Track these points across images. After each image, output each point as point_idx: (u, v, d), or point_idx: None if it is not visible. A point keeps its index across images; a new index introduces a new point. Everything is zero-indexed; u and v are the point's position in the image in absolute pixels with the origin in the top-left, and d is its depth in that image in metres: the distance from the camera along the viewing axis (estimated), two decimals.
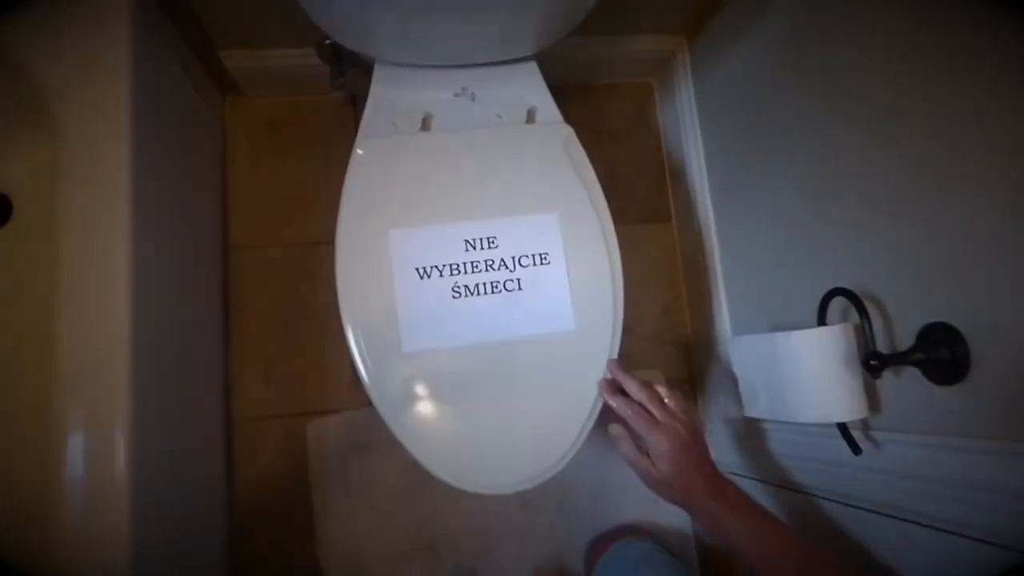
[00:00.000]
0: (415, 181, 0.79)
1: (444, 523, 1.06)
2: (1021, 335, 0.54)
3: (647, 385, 0.71)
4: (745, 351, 0.83)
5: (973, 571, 0.59)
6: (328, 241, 0.76)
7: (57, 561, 0.66)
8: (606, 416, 0.74)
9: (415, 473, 0.70)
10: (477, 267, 0.76)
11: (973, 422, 0.60)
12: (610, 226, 0.79)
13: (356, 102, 1.18)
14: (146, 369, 0.74)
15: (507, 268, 0.77)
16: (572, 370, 0.76)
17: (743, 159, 1.00)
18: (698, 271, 1.15)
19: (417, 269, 0.75)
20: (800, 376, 0.71)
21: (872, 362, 0.62)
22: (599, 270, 0.78)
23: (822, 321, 0.71)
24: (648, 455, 0.68)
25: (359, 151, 0.79)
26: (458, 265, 0.76)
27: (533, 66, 0.89)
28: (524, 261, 0.77)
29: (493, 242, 0.77)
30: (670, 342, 1.22)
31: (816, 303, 0.72)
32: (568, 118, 0.86)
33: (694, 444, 0.67)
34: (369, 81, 0.86)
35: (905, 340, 0.66)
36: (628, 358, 0.77)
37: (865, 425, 0.73)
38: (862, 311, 0.65)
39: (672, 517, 1.11)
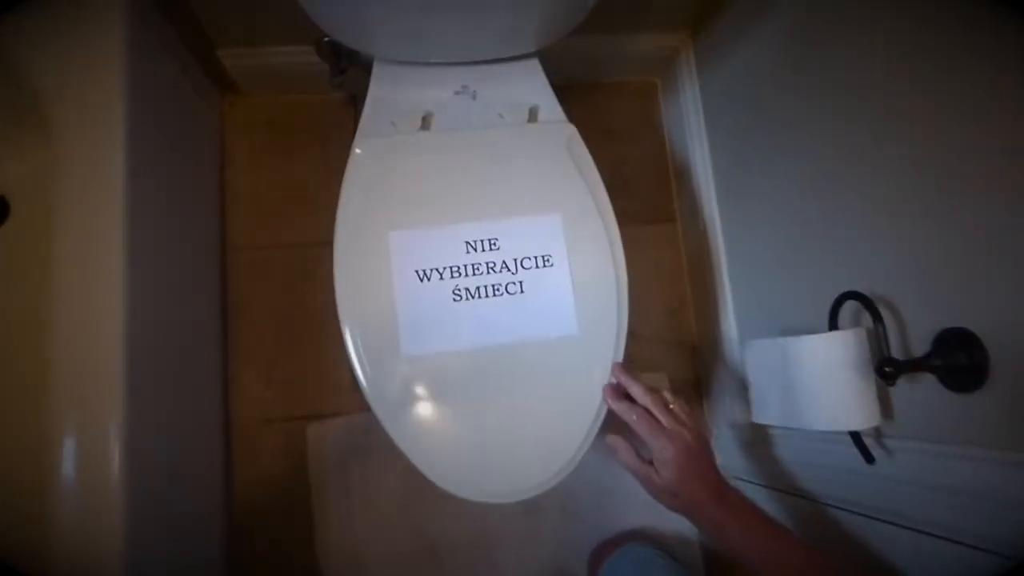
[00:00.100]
0: (415, 181, 0.77)
1: (445, 527, 1.04)
2: None
3: (653, 389, 0.70)
4: (757, 355, 0.80)
5: None
6: (328, 242, 0.74)
7: (51, 562, 0.65)
8: (611, 421, 0.72)
9: (415, 477, 0.69)
10: (478, 269, 0.74)
11: (992, 431, 0.58)
12: (614, 227, 0.77)
13: (356, 101, 1.16)
14: (142, 370, 0.73)
15: (509, 270, 0.75)
16: (575, 375, 0.74)
17: (749, 158, 0.98)
18: (703, 272, 1.13)
19: (417, 271, 0.73)
20: (811, 382, 0.69)
21: (887, 369, 0.60)
22: (603, 272, 0.76)
23: (834, 325, 0.69)
24: (650, 462, 0.66)
25: (358, 151, 0.77)
26: (459, 267, 0.74)
27: (535, 64, 0.87)
28: (526, 263, 0.75)
29: (494, 244, 0.75)
30: (675, 344, 1.20)
31: (826, 305, 0.70)
32: (571, 117, 0.84)
33: (699, 451, 0.66)
34: (369, 79, 0.85)
35: (920, 345, 0.64)
36: (632, 360, 0.75)
37: (878, 432, 0.71)
38: (876, 316, 0.63)
39: (677, 522, 1.08)
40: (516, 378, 0.73)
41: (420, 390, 0.72)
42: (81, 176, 0.72)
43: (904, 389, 0.66)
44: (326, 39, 0.91)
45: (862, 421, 0.66)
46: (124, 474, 0.68)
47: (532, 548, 1.06)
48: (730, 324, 1.06)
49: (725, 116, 1.05)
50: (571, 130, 0.82)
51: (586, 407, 0.73)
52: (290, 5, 0.72)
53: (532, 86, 0.86)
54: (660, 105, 1.27)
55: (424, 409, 0.72)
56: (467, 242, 0.75)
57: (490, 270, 0.75)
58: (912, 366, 0.61)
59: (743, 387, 1.03)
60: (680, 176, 1.21)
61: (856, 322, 0.71)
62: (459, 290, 0.74)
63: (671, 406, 0.69)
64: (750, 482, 0.99)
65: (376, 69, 0.84)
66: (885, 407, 0.69)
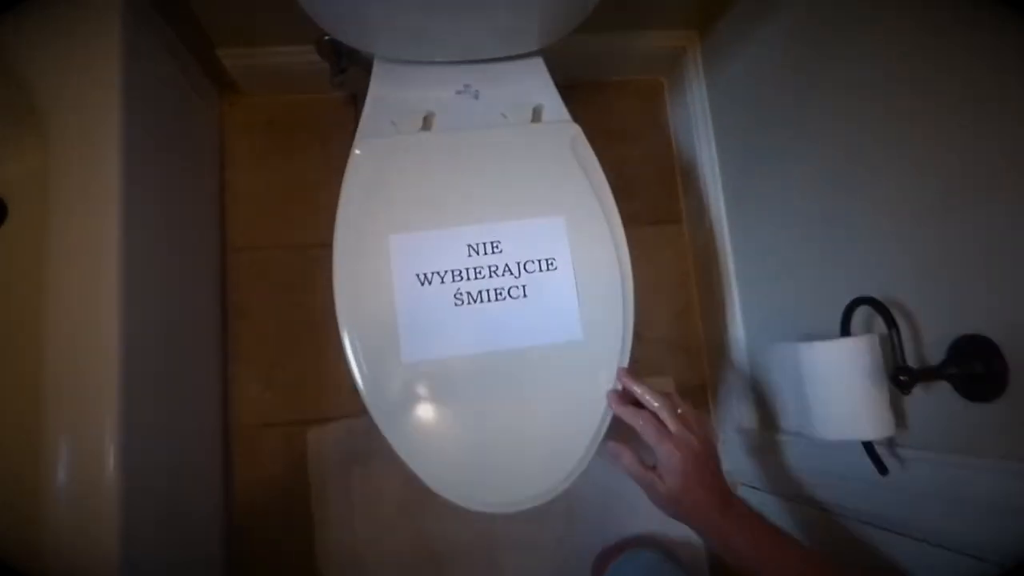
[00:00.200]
0: (416, 183, 0.76)
1: (446, 532, 1.03)
2: None
3: (661, 394, 0.68)
4: (776, 360, 0.79)
5: None
6: (330, 243, 0.73)
7: (46, 562, 0.65)
8: (616, 428, 0.70)
9: (417, 483, 0.68)
10: (480, 273, 0.73)
11: (1011, 442, 0.56)
12: (620, 230, 0.76)
13: (357, 100, 1.15)
14: (139, 371, 0.73)
15: (512, 274, 0.73)
16: (580, 381, 0.72)
17: (757, 159, 0.97)
18: (710, 274, 1.11)
19: (418, 275, 0.72)
20: (823, 390, 0.67)
21: (901, 377, 0.58)
22: (608, 276, 0.74)
23: (846, 331, 0.67)
24: (654, 468, 0.65)
25: (357, 152, 0.76)
26: (460, 271, 0.73)
27: (539, 62, 0.85)
28: (530, 267, 0.74)
29: (497, 247, 0.74)
30: (681, 347, 1.19)
31: (838, 309, 0.69)
32: (576, 117, 0.82)
33: (706, 459, 0.64)
34: (369, 78, 0.83)
35: (935, 352, 0.62)
36: (638, 364, 0.74)
37: (890, 441, 0.69)
38: (890, 322, 0.61)
39: (683, 528, 1.06)
40: (519, 384, 0.72)
41: (420, 397, 0.70)
42: (77, 177, 0.71)
43: (919, 397, 0.65)
44: (326, 38, 0.90)
45: (875, 431, 0.64)
46: (119, 474, 0.67)
47: (536, 554, 1.05)
48: (737, 327, 1.05)
49: (733, 116, 1.04)
50: (575, 130, 0.80)
51: (591, 414, 0.71)
52: (290, 4, 0.71)
53: (536, 85, 0.84)
54: (666, 105, 1.26)
55: (425, 416, 0.70)
56: (469, 245, 0.73)
57: (492, 274, 0.73)
58: (928, 374, 0.59)
59: (751, 391, 1.02)
60: (686, 176, 1.20)
61: (869, 328, 0.70)
62: (461, 294, 0.72)
63: (679, 410, 0.67)
64: (757, 489, 0.97)
65: (376, 68, 0.83)
66: (898, 416, 0.67)
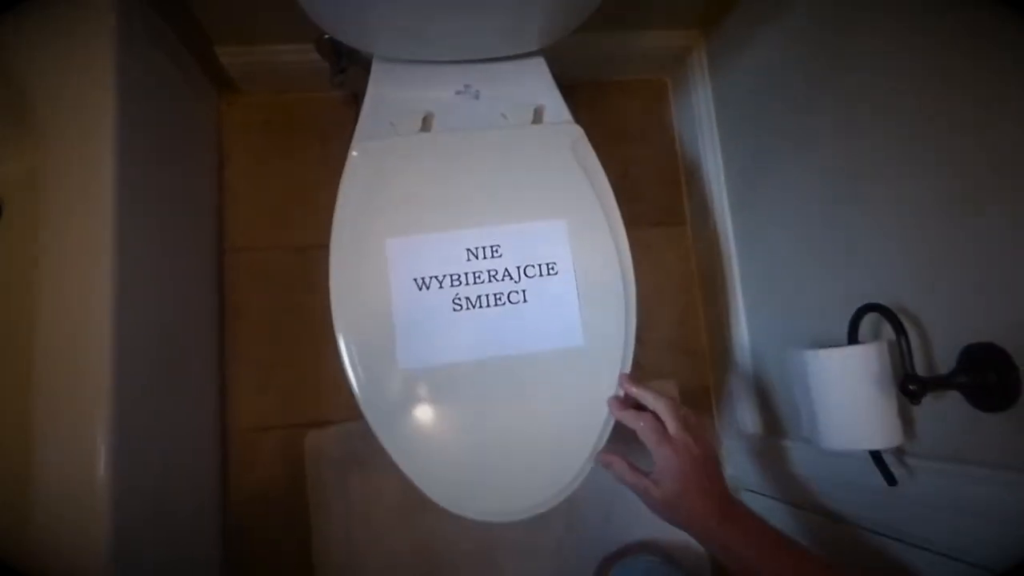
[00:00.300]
0: (414, 185, 0.75)
1: (446, 539, 1.02)
2: None
3: (664, 396, 0.66)
4: (791, 367, 0.77)
5: None
6: (329, 244, 0.72)
7: (34, 563, 0.64)
8: (616, 433, 0.69)
9: (417, 488, 0.67)
10: (479, 278, 0.72)
11: (1023, 453, 0.54)
12: (622, 233, 0.74)
13: (358, 99, 1.13)
14: (132, 372, 0.72)
15: (511, 279, 0.72)
16: (581, 387, 0.71)
17: (763, 161, 0.95)
18: (714, 277, 1.10)
19: (415, 280, 0.70)
20: (830, 398, 0.66)
21: (911, 387, 0.56)
22: (610, 281, 0.73)
23: (854, 338, 0.66)
24: (648, 474, 0.63)
25: (354, 153, 0.75)
26: (459, 276, 0.71)
27: (541, 62, 0.84)
28: (530, 271, 0.72)
29: (497, 251, 0.72)
30: (684, 351, 1.17)
31: (845, 315, 0.68)
32: (578, 118, 0.81)
33: (704, 462, 0.62)
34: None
35: (944, 361, 0.61)
36: (640, 368, 0.72)
37: (899, 450, 0.68)
38: (899, 329, 0.60)
39: (684, 533, 1.06)
40: (519, 391, 0.71)
41: (418, 404, 0.69)
42: (70, 176, 0.71)
43: (928, 406, 0.63)
44: (326, 37, 0.88)
45: (883, 441, 0.63)
46: (111, 475, 0.67)
47: (536, 561, 1.04)
48: (741, 331, 1.03)
49: (738, 116, 1.02)
50: (577, 131, 0.78)
51: (592, 421, 0.70)
52: (289, 2, 0.70)
53: (537, 85, 0.83)
54: (671, 105, 1.24)
55: (422, 424, 0.69)
56: (468, 249, 0.72)
57: (492, 278, 0.72)
58: (938, 384, 0.58)
59: (755, 395, 1.01)
60: (690, 178, 1.18)
61: (876, 334, 0.68)
62: (459, 299, 0.71)
63: (680, 411, 0.65)
64: (761, 494, 0.96)
65: (375, 68, 0.82)
66: (906, 424, 0.65)
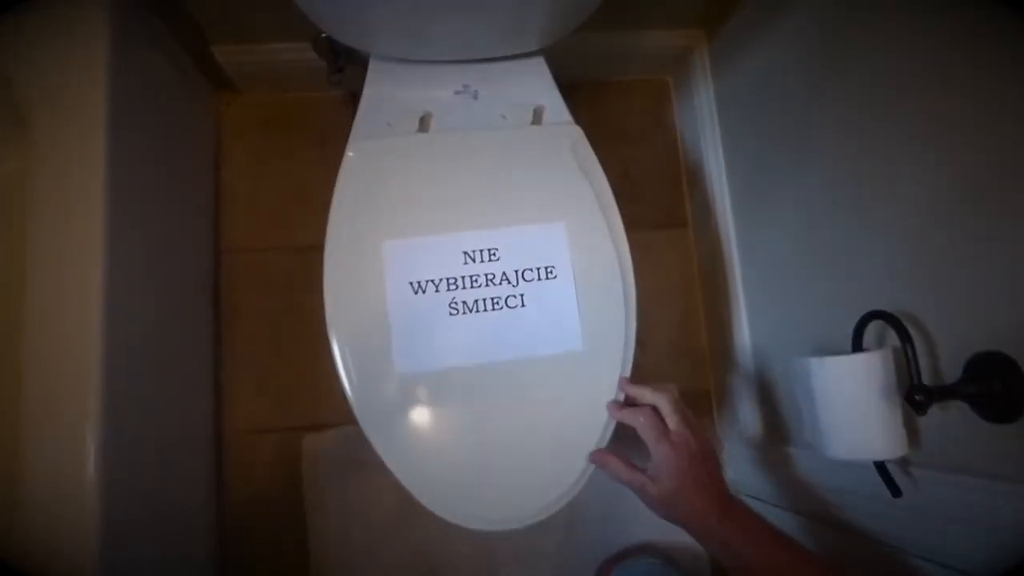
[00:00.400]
0: (410, 187, 0.73)
1: (444, 546, 1.01)
2: None
3: (663, 391, 0.65)
4: (793, 375, 0.76)
5: None
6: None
7: (22, 562, 0.64)
8: (617, 437, 0.68)
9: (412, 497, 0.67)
10: (476, 281, 0.70)
11: None
12: (622, 236, 0.73)
13: (356, 99, 1.12)
14: (124, 373, 0.72)
15: (509, 283, 0.71)
16: (580, 393, 0.70)
17: (767, 163, 0.94)
18: (716, 280, 1.09)
19: (411, 283, 0.69)
20: (834, 407, 0.64)
21: (917, 397, 0.55)
22: (610, 285, 0.72)
23: (858, 346, 0.64)
24: (644, 470, 0.62)
25: (350, 154, 0.74)
26: (456, 279, 0.70)
27: (541, 62, 0.83)
28: (528, 275, 0.71)
29: (494, 254, 0.71)
30: (686, 354, 1.16)
31: (849, 321, 0.66)
32: (578, 118, 0.80)
33: (704, 459, 0.62)
34: None
35: (950, 369, 0.60)
36: (641, 371, 0.71)
37: (903, 459, 0.66)
38: (905, 337, 0.58)
39: (685, 534, 1.05)
40: (517, 397, 0.70)
41: (413, 409, 0.68)
42: (61, 176, 0.70)
43: (933, 415, 0.62)
44: (323, 35, 0.87)
45: (888, 451, 0.62)
46: (100, 478, 0.66)
47: (536, 565, 1.03)
48: (743, 334, 1.02)
49: (741, 117, 1.01)
50: (577, 133, 0.77)
51: (591, 427, 0.69)
52: (286, 1, 0.69)
53: (537, 85, 0.82)
54: (672, 106, 1.23)
55: (417, 430, 0.68)
56: (465, 252, 0.71)
57: (489, 282, 0.71)
58: (944, 394, 0.56)
59: (756, 400, 1.00)
60: (692, 179, 1.17)
61: (881, 342, 0.67)
62: (456, 303, 0.70)
63: (680, 406, 0.64)
64: (761, 500, 0.95)
65: (372, 66, 0.80)
66: (911, 433, 0.64)
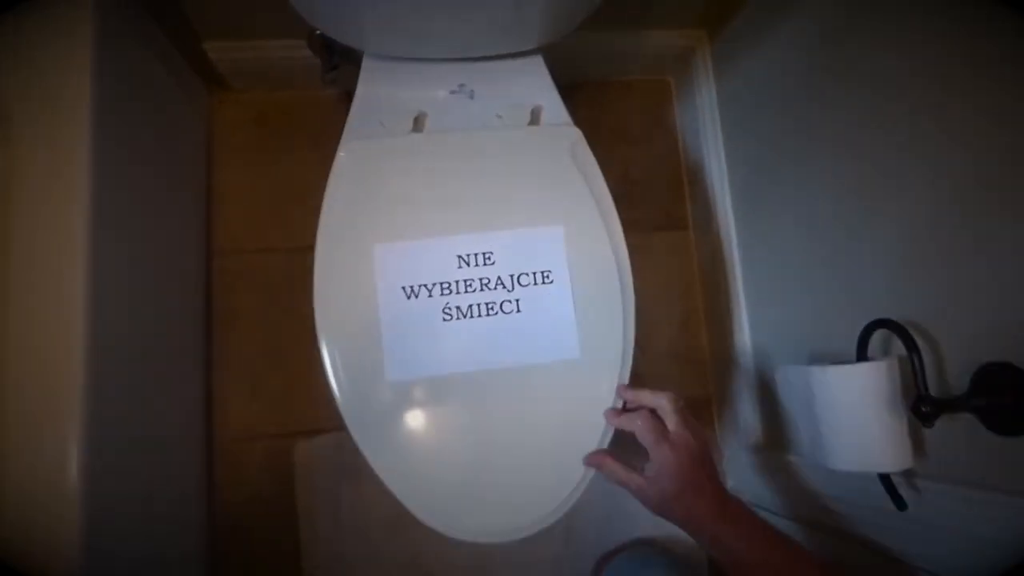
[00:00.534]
0: (404, 188, 0.72)
1: (440, 555, 0.99)
2: None
3: (662, 392, 0.64)
4: (788, 383, 0.74)
5: None
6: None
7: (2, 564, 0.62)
8: (617, 445, 0.66)
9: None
10: (471, 286, 0.69)
11: None
12: (621, 241, 0.71)
13: (351, 97, 1.11)
14: (108, 378, 0.70)
15: (504, 288, 0.69)
16: (577, 401, 0.68)
17: (769, 166, 0.92)
18: (717, 284, 1.07)
19: (403, 288, 0.67)
20: (837, 417, 0.63)
21: (924, 408, 0.53)
22: (608, 291, 0.70)
23: (863, 355, 0.63)
24: (640, 470, 0.61)
25: (342, 154, 0.72)
26: (449, 284, 0.68)
27: (539, 61, 0.81)
28: (524, 280, 0.69)
29: (489, 258, 0.69)
30: (686, 359, 1.15)
31: (852, 327, 0.65)
32: (577, 118, 0.78)
33: (703, 460, 0.61)
34: None
35: (957, 380, 0.58)
36: (640, 377, 0.70)
37: (908, 471, 0.65)
38: (912, 347, 0.57)
39: (684, 534, 1.04)
40: (511, 406, 0.68)
41: (405, 418, 0.66)
42: (44, 176, 0.68)
43: (939, 426, 0.60)
44: (317, 32, 0.86)
45: (893, 463, 0.60)
46: (83, 486, 0.64)
47: (533, 574, 1.01)
48: (745, 339, 1.00)
49: (743, 119, 1.00)
50: (576, 134, 0.75)
51: (588, 436, 0.67)
52: None
53: (535, 85, 0.80)
54: (674, 106, 1.22)
55: (410, 439, 0.66)
56: (459, 256, 0.69)
57: (484, 287, 0.69)
58: (952, 405, 0.55)
59: (758, 406, 0.98)
60: (693, 181, 1.16)
61: (886, 350, 0.65)
62: (449, 309, 0.68)
63: (680, 404, 0.63)
64: (764, 508, 0.93)
65: (365, 65, 0.78)
66: (917, 444, 0.62)
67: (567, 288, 0.69)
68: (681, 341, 1.15)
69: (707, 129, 1.08)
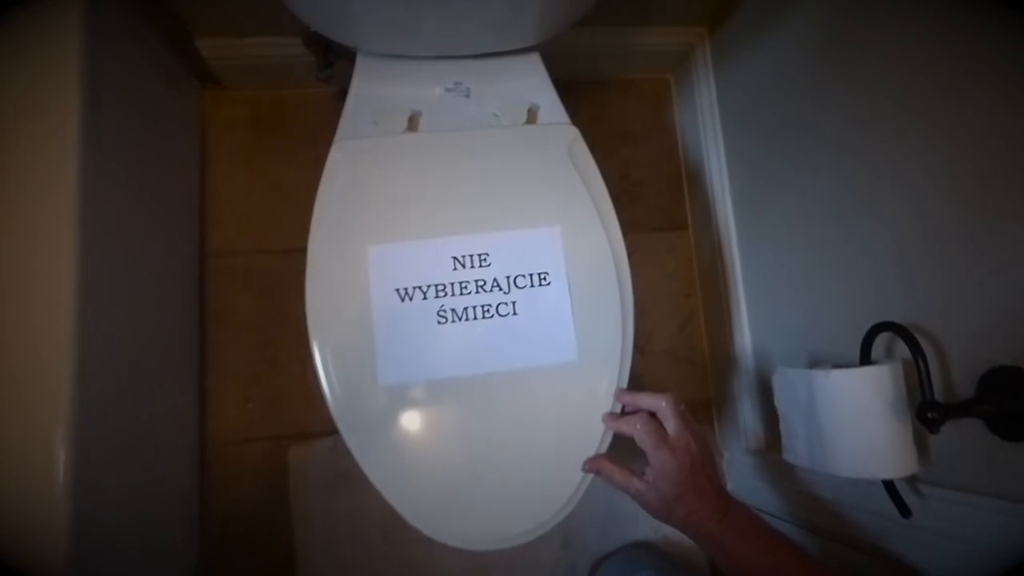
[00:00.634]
0: (398, 188, 0.70)
1: (435, 559, 0.98)
2: None
3: (662, 394, 0.63)
4: (784, 387, 0.73)
5: None
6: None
7: None
8: (617, 448, 0.65)
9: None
10: (466, 288, 0.67)
11: None
12: (620, 242, 0.70)
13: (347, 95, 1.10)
14: (98, 379, 0.69)
15: (501, 289, 0.68)
16: (575, 405, 0.67)
17: (770, 165, 0.91)
18: (716, 284, 1.06)
19: (398, 290, 0.66)
20: (840, 423, 0.62)
21: (930, 414, 0.52)
22: (606, 293, 0.68)
23: (866, 359, 0.61)
24: (641, 474, 0.61)
25: (335, 154, 0.70)
26: (444, 286, 0.67)
27: (536, 59, 0.79)
28: (520, 282, 0.68)
29: (485, 260, 0.68)
30: (685, 361, 1.14)
31: (855, 329, 0.64)
32: (575, 117, 0.76)
33: (704, 463, 0.60)
34: None
35: (963, 384, 0.57)
36: (639, 379, 0.69)
37: (913, 476, 0.63)
38: (917, 351, 0.55)
39: (685, 537, 1.04)
40: (508, 410, 0.66)
41: (399, 423, 0.65)
42: (31, 176, 0.67)
43: (945, 432, 0.59)
44: (312, 29, 0.84)
45: (897, 469, 0.59)
46: (71, 491, 0.63)
47: None
48: (745, 340, 0.99)
49: (744, 117, 0.98)
50: (573, 133, 0.74)
51: (586, 440, 0.66)
52: None
53: (532, 83, 0.78)
54: (673, 104, 1.20)
55: (403, 445, 0.65)
56: (454, 257, 0.68)
57: (480, 289, 0.67)
58: (958, 411, 0.53)
59: (758, 408, 0.97)
60: (693, 180, 1.14)
61: (889, 352, 0.64)
62: (444, 311, 0.67)
63: (681, 406, 0.62)
64: (765, 512, 0.92)
65: (359, 62, 0.77)
66: (921, 449, 0.61)
67: (564, 290, 0.68)
68: (680, 342, 1.14)
69: (707, 127, 1.06)
